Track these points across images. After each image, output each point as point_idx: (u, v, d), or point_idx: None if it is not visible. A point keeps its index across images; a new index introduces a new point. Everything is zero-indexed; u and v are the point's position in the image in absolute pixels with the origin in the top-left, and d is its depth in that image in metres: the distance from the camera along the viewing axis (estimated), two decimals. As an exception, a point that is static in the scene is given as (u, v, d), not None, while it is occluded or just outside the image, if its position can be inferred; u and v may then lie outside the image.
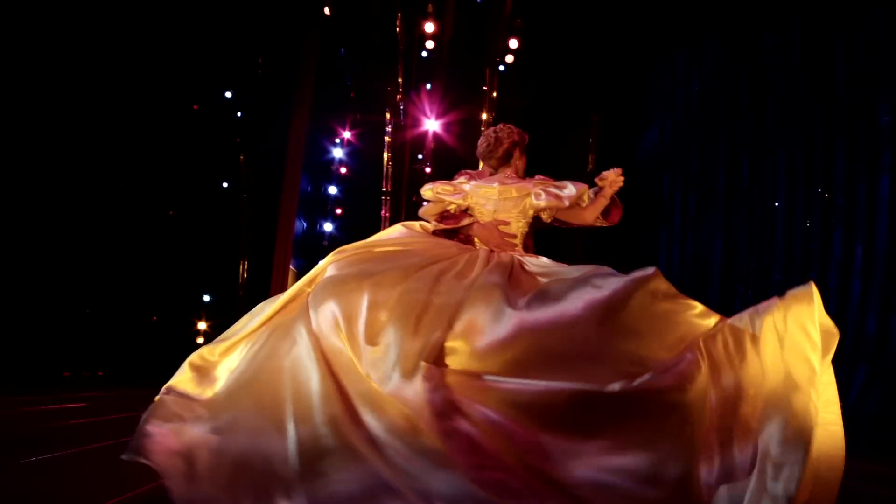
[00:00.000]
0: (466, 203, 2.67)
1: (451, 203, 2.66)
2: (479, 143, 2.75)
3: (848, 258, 5.50)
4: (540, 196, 2.57)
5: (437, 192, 2.66)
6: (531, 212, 2.63)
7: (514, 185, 2.65)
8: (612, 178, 2.64)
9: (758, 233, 6.43)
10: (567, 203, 2.55)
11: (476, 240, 2.65)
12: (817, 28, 5.96)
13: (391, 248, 2.35)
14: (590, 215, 2.63)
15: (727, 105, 6.96)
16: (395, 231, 2.57)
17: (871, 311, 5.24)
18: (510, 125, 2.77)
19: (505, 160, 2.71)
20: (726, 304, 6.59)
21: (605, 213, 2.72)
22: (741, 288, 6.53)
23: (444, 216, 2.69)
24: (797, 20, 6.14)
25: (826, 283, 5.60)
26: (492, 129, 2.76)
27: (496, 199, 2.62)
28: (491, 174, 2.75)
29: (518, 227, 2.62)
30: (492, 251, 2.45)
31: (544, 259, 2.40)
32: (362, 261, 2.15)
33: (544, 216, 2.70)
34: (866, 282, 5.33)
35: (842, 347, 5.66)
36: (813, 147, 5.93)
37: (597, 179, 2.68)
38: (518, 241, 2.62)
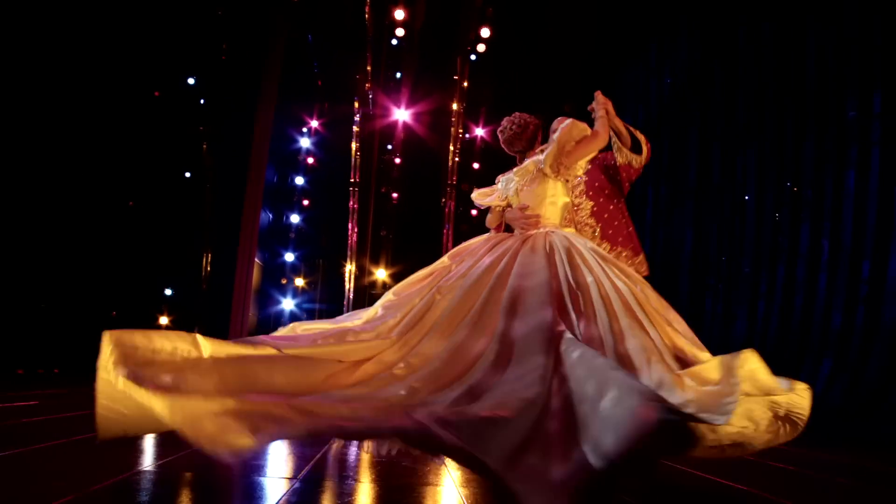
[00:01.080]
0: (504, 201, 2.78)
1: (491, 204, 2.82)
2: (504, 129, 2.84)
3: (815, 252, 5.55)
4: (540, 160, 2.61)
5: (475, 198, 2.85)
6: (552, 179, 2.62)
7: (526, 163, 2.71)
8: (595, 103, 2.78)
9: (728, 226, 6.46)
10: (557, 140, 2.58)
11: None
12: (789, 26, 5.98)
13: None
14: (602, 135, 2.69)
15: (699, 99, 6.96)
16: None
17: (837, 305, 5.29)
18: (524, 113, 2.88)
19: (531, 143, 2.80)
20: (696, 297, 6.62)
21: (636, 148, 2.88)
22: (711, 281, 6.56)
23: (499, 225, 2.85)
24: (770, 18, 6.15)
25: (794, 277, 5.65)
26: (512, 116, 2.85)
27: (517, 182, 2.69)
28: (519, 161, 2.85)
29: (541, 203, 2.61)
30: (501, 240, 2.47)
31: (565, 238, 2.40)
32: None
33: (563, 172, 2.69)
34: (832, 275, 5.37)
35: (808, 341, 5.64)
36: (783, 142, 5.97)
37: (590, 112, 2.82)
38: (547, 219, 2.60)
